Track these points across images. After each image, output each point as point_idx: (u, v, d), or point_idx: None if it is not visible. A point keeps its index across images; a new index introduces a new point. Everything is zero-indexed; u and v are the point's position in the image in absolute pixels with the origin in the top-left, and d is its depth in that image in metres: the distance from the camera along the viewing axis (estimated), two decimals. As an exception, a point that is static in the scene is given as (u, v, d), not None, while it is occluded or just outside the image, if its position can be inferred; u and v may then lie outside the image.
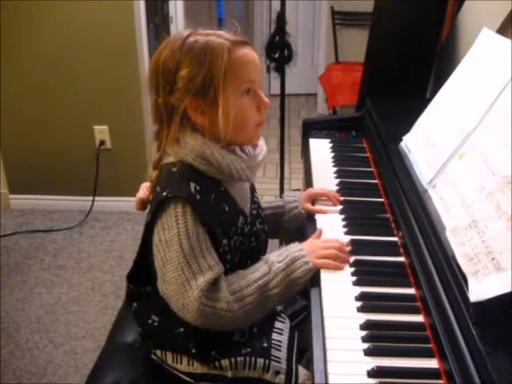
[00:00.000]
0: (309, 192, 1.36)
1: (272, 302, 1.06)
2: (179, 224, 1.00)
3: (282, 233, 1.40)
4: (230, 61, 1.01)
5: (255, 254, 1.17)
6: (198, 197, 1.02)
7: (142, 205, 1.19)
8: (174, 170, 1.05)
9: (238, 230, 1.11)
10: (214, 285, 1.01)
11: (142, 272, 1.12)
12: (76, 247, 2.74)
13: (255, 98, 1.08)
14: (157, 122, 1.09)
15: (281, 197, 1.42)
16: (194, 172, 1.04)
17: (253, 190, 1.23)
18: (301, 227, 1.30)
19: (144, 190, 1.20)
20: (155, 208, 1.03)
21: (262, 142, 1.17)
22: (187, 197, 1.01)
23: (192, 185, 1.02)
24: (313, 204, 1.33)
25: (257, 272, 1.06)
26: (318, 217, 1.29)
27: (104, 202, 3.00)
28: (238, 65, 1.03)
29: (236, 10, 5.30)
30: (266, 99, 1.09)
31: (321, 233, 1.19)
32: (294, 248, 1.10)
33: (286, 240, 1.70)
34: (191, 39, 1.03)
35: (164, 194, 1.01)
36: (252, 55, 1.07)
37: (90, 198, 2.98)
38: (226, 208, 1.08)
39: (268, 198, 1.33)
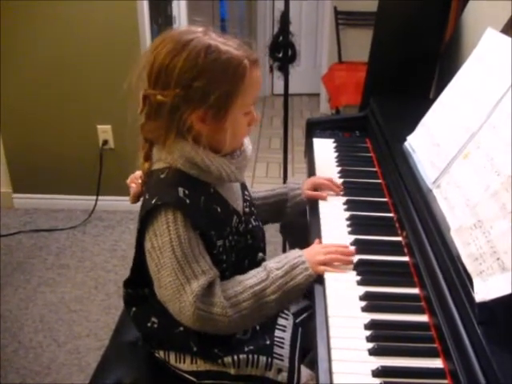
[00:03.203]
0: (312, 180, 1.41)
1: (269, 308, 1.06)
2: (170, 230, 1.00)
3: (283, 219, 1.42)
4: (248, 81, 1.03)
5: (252, 251, 1.18)
6: (188, 201, 1.02)
7: (136, 198, 1.19)
8: (162, 176, 1.05)
9: (233, 229, 1.12)
10: (208, 289, 1.02)
11: (139, 275, 1.12)
12: (79, 246, 2.74)
13: (249, 114, 1.09)
14: (145, 115, 1.07)
15: (284, 183, 1.44)
16: (182, 177, 1.04)
17: (244, 188, 1.23)
18: (303, 214, 1.32)
19: (134, 181, 1.20)
20: (145, 215, 1.03)
21: (246, 141, 1.17)
22: (176, 202, 1.01)
23: (180, 190, 1.02)
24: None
25: (253, 278, 1.06)
26: (321, 216, 1.29)
27: (107, 202, 3.00)
28: (252, 85, 1.05)
29: (239, 10, 5.30)
30: (258, 116, 1.11)
31: (320, 241, 1.19)
32: (293, 255, 1.10)
33: (290, 239, 1.71)
34: (213, 46, 1.01)
35: (153, 201, 1.01)
36: (261, 76, 1.09)
37: (94, 197, 2.98)
38: (218, 209, 1.09)
39: (271, 186, 1.36)
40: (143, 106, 1.07)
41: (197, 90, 1.00)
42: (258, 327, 1.13)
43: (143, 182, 1.12)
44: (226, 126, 1.04)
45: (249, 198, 1.24)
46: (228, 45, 1.04)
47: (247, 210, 1.20)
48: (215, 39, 1.03)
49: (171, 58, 1.01)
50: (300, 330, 1.17)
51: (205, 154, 1.04)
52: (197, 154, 1.03)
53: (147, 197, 1.05)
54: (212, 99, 1.00)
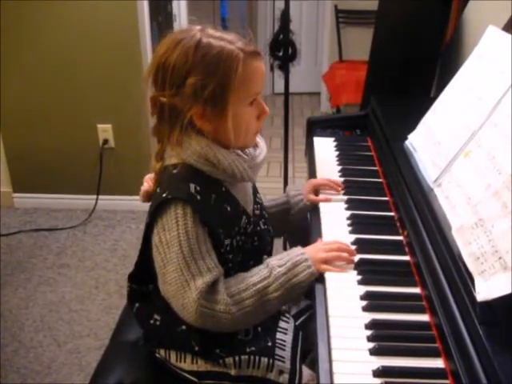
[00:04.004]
0: (310, 183, 1.40)
1: (272, 305, 1.06)
2: (179, 225, 1.00)
3: (289, 227, 1.41)
4: (243, 73, 1.01)
5: (258, 253, 1.17)
6: (199, 197, 1.02)
7: (148, 197, 1.19)
8: (175, 171, 1.05)
9: (241, 229, 1.11)
10: (212, 287, 1.02)
11: (144, 270, 1.12)
12: (80, 246, 2.74)
13: (257, 108, 1.09)
14: (156, 117, 1.09)
15: (284, 191, 1.43)
16: (195, 173, 1.04)
17: (255, 190, 1.23)
18: (306, 220, 1.31)
19: (148, 182, 1.20)
20: (155, 209, 1.03)
21: (262, 143, 1.18)
22: (187, 198, 1.01)
23: (192, 185, 1.02)
24: (316, 194, 1.36)
25: (256, 275, 1.06)
26: (322, 216, 1.28)
27: (108, 201, 3.00)
28: (249, 77, 1.03)
29: (239, 9, 5.29)
30: (267, 109, 1.10)
31: (321, 240, 1.18)
32: (296, 252, 1.10)
33: (291, 239, 1.70)
34: (204, 41, 1.01)
35: (164, 195, 1.02)
36: (262, 67, 1.07)
37: (94, 196, 2.98)
38: (228, 208, 1.08)
39: (272, 197, 1.35)
40: (152, 109, 1.08)
41: (190, 87, 1.00)
42: (259, 328, 1.13)
43: (155, 181, 1.12)
44: (228, 120, 1.03)
45: (260, 201, 1.24)
46: (223, 39, 1.03)
47: (257, 212, 1.20)
48: (210, 35, 1.03)
49: (166, 58, 1.02)
50: (300, 333, 1.17)
51: (218, 150, 1.04)
52: (210, 150, 1.04)
53: (158, 191, 1.05)
54: (206, 94, 1.00)
